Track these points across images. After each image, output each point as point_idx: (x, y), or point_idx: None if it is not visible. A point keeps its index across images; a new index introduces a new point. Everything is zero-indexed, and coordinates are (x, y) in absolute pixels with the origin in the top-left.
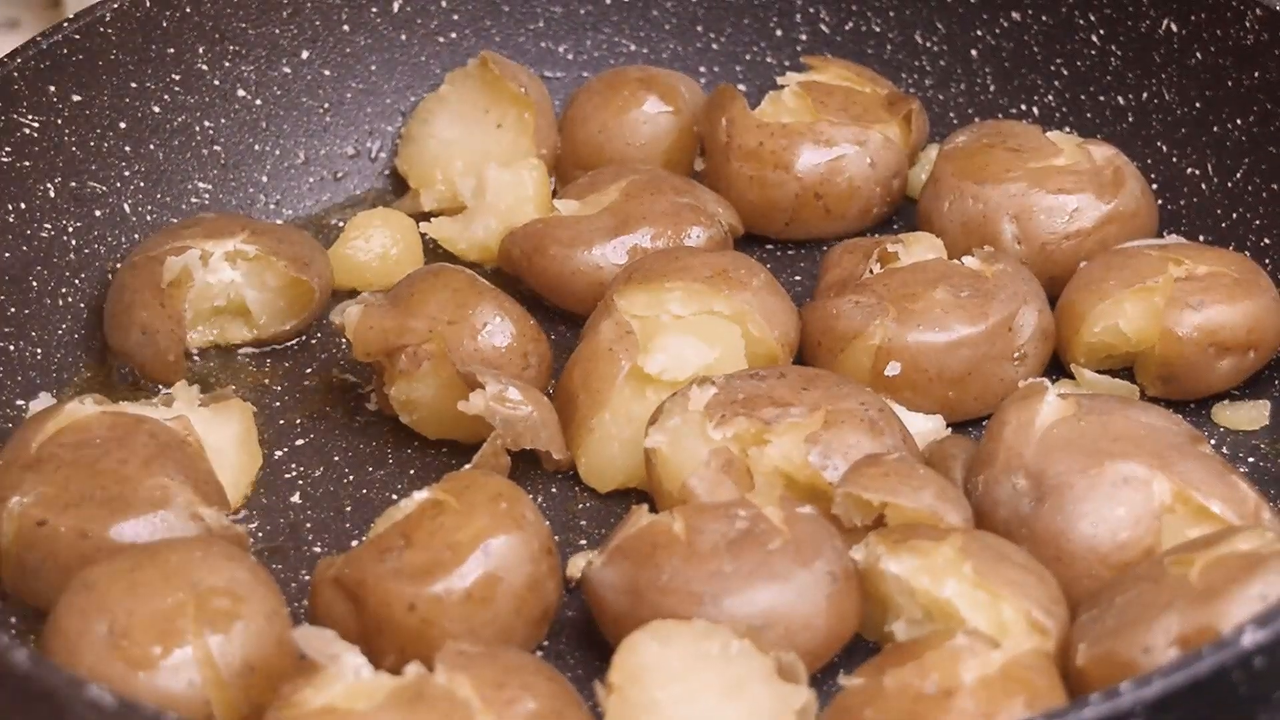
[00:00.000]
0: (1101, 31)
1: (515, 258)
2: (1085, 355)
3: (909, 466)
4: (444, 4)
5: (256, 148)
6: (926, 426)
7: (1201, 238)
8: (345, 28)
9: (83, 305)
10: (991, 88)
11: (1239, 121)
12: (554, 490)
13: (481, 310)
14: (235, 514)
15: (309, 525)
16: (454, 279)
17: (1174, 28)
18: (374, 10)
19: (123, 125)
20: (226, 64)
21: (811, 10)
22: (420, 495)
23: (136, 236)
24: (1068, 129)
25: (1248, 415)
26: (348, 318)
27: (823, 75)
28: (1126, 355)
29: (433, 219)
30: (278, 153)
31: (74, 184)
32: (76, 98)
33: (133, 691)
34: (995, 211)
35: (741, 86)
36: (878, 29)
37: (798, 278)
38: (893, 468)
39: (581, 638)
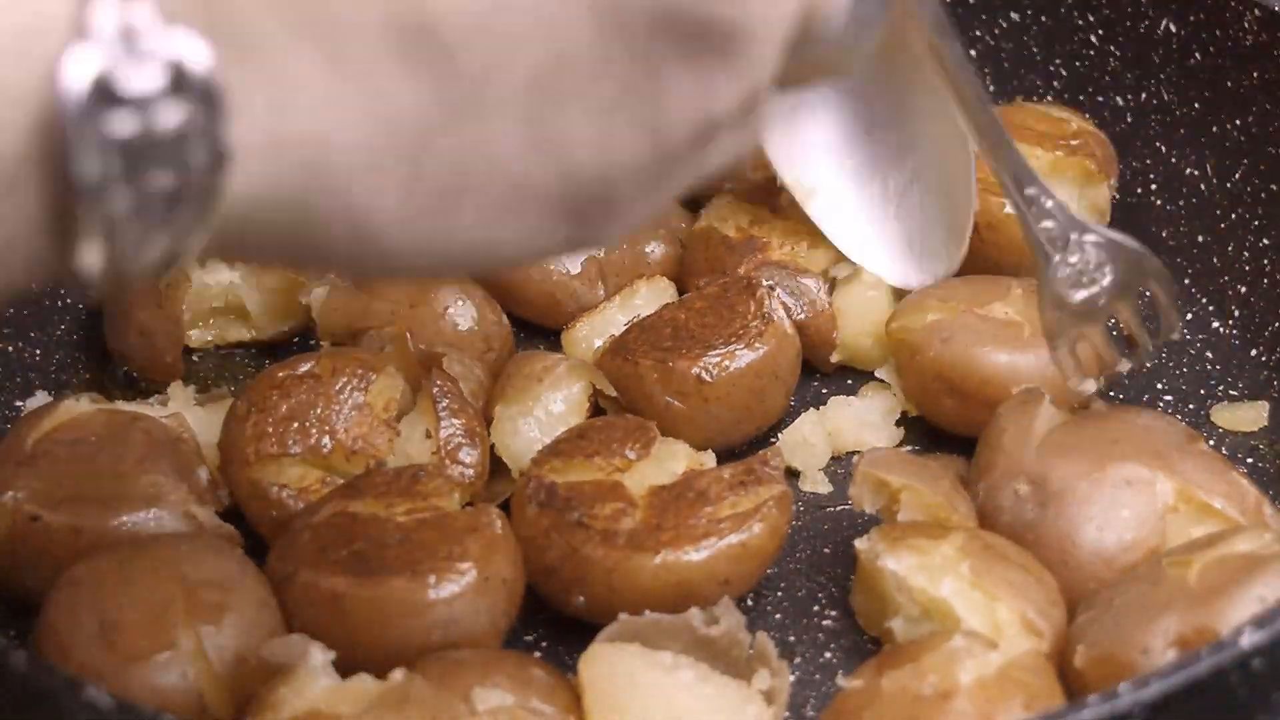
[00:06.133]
0: (1100, 32)
1: None
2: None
3: (923, 459)
4: None
5: None
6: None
7: (1201, 238)
8: None
9: (81, 306)
10: (991, 88)
11: (1238, 122)
12: None
13: (444, 293)
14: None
15: None
16: None
17: (1173, 28)
18: None
19: None
20: None
21: None
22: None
23: None
24: None
25: (1246, 416)
26: (314, 299)
27: None
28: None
29: None
30: None
31: None
32: None
33: (126, 686)
34: None
35: None
36: None
37: None
38: (910, 458)
39: (580, 636)
